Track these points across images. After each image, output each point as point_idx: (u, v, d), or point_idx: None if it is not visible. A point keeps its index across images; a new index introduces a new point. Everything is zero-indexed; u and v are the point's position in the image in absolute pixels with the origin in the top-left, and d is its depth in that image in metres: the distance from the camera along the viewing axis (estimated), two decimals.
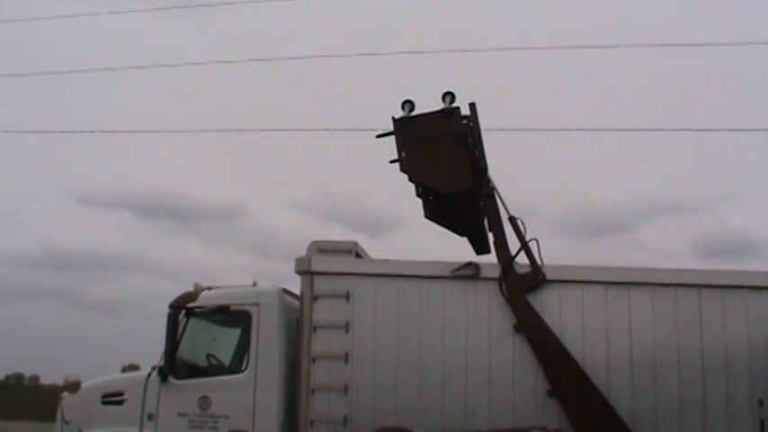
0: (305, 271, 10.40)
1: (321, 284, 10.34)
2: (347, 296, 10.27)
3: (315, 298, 10.29)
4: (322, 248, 10.58)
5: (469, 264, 10.38)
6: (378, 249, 11.25)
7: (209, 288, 10.81)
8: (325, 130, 16.06)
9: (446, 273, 10.31)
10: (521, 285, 10.10)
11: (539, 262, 10.16)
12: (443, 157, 10.49)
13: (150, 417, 10.24)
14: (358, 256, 10.78)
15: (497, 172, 10.67)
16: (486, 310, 10.11)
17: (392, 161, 10.74)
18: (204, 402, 10.12)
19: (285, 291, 10.75)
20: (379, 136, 10.79)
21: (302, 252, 10.55)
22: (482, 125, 10.83)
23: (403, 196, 11.24)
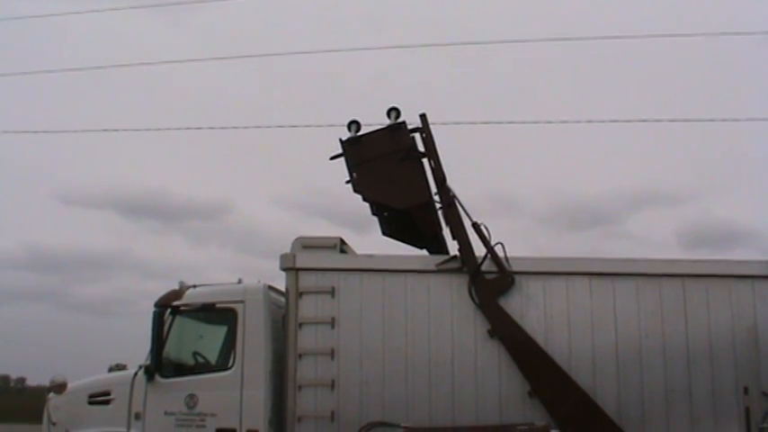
0: (290, 267, 10.38)
1: (306, 280, 10.32)
2: (332, 292, 10.25)
3: (300, 294, 10.27)
4: (307, 245, 10.56)
5: (455, 257, 10.41)
6: (364, 244, 11.25)
7: (194, 286, 10.75)
8: (308, 126, 16.04)
9: (431, 267, 10.33)
10: (491, 291, 10.12)
11: (506, 266, 10.18)
12: (395, 173, 10.56)
13: (137, 416, 10.19)
14: (343, 251, 10.78)
15: (482, 166, 10.69)
16: (472, 302, 10.12)
17: (347, 182, 10.76)
18: (191, 400, 10.09)
19: (270, 287, 10.72)
20: (332, 158, 10.79)
21: (287, 249, 10.54)
22: (435, 135, 10.76)
23: None
